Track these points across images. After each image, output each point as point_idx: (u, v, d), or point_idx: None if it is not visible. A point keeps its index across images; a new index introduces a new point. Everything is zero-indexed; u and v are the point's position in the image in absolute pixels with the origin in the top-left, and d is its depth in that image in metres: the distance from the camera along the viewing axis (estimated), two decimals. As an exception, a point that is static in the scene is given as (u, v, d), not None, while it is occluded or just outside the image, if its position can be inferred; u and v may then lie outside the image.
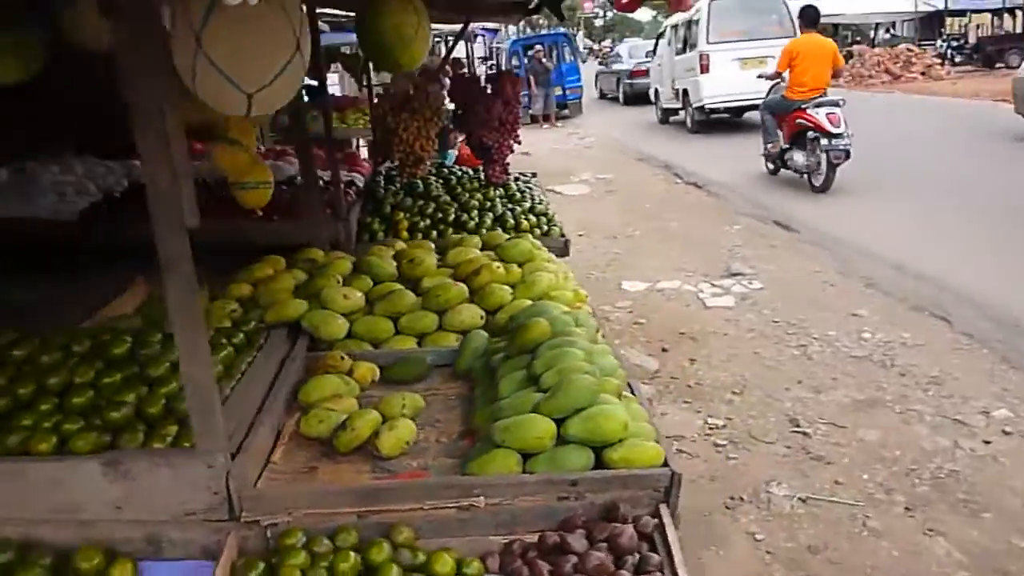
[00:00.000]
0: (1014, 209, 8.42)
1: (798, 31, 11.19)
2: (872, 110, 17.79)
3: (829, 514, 3.74)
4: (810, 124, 9.65)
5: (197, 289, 1.91)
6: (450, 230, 4.54)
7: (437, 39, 12.92)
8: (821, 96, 9.81)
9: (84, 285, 3.69)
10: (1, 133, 5.93)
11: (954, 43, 30.25)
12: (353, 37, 11.33)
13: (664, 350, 5.70)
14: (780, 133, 10.50)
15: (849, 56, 31.57)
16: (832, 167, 9.64)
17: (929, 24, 37.64)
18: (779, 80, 10.45)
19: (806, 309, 6.28)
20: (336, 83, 14.14)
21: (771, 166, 11.06)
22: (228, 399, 2.33)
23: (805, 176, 10.18)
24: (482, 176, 5.44)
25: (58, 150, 6.02)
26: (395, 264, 3.17)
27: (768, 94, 10.94)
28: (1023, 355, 5.16)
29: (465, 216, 4.64)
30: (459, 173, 5.54)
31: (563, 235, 4.62)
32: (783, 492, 3.92)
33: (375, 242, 4.47)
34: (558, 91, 21.72)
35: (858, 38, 40.93)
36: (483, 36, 17.76)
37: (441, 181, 5.26)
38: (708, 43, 15.28)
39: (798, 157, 10.13)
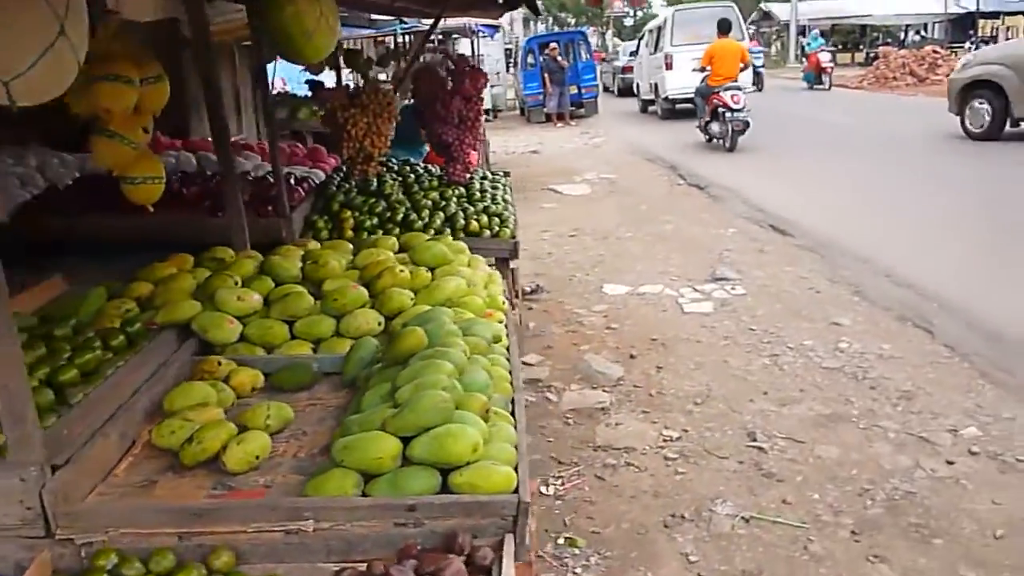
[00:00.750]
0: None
1: (716, 37, 14.47)
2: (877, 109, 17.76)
3: (770, 536, 3.54)
4: (720, 103, 13.57)
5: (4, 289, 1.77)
6: (397, 230, 4.39)
7: (441, 36, 12.78)
8: (731, 83, 13.47)
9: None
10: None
11: (983, 45, 29.61)
12: (358, 31, 11.25)
13: (632, 357, 5.51)
14: (707, 109, 14.24)
15: (874, 58, 31.09)
16: (735, 134, 13.56)
17: (961, 26, 36.98)
18: (706, 72, 14.05)
19: (785, 317, 6.06)
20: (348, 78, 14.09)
21: (704, 137, 14.74)
22: (78, 404, 2.20)
23: (719, 140, 14.12)
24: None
25: (21, 138, 5.94)
26: (300, 265, 3.02)
27: (700, 83, 14.32)
28: (1003, 369, 4.92)
29: (414, 216, 4.49)
30: (420, 171, 5.38)
31: (514, 237, 4.45)
32: (727, 511, 3.73)
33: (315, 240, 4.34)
34: (573, 90, 21.50)
35: (888, 40, 40.32)
36: (486, 33, 17.57)
37: (400, 179, 5.10)
38: (672, 46, 19.14)
39: (714, 127, 14.17)
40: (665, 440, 4.39)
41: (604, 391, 5.01)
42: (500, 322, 2.90)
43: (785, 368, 5.17)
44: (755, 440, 4.30)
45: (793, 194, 10.27)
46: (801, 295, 6.55)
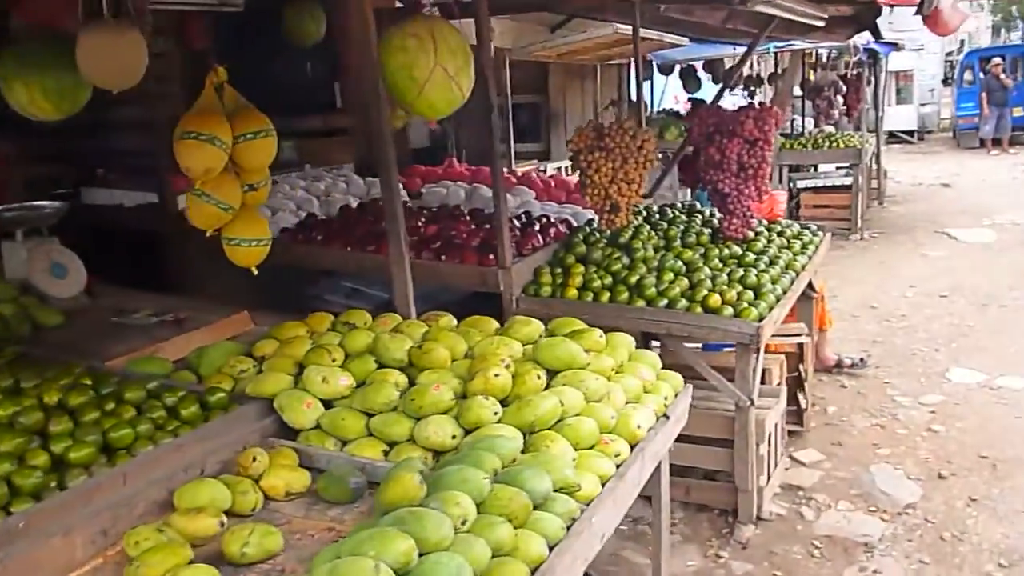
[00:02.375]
0: None
1: None
2: None
3: None
4: None
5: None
6: (625, 294, 3.83)
7: (835, 51, 11.53)
8: None
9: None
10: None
11: None
12: (725, 48, 10.57)
13: (941, 476, 4.31)
14: None
15: None
16: None
17: None
18: None
19: None
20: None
21: None
22: (71, 489, 2.07)
23: None
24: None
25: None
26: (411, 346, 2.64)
27: None
28: None
29: (651, 279, 3.87)
30: (694, 222, 4.69)
31: (761, 319, 3.63)
32: None
33: (534, 298, 3.94)
34: (1018, 112, 18.34)
35: None
36: (919, 45, 15.51)
37: (664, 229, 4.48)
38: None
39: None
40: (934, 612, 3.31)
41: (881, 519, 3.96)
42: (616, 456, 2.26)
43: None
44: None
45: None
46: None
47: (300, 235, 4.49)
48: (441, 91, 2.38)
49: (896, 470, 4.40)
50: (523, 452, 2.20)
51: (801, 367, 4.82)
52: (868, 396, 5.41)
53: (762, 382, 4.25)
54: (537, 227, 4.37)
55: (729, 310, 3.66)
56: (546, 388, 2.44)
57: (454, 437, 2.29)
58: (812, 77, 11.98)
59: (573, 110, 11.01)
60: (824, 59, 12.03)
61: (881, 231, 10.67)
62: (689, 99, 13.32)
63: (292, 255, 4.47)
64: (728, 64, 12.45)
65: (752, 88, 12.90)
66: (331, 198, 5.07)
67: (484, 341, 2.65)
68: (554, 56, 8.67)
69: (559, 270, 4.06)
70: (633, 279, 3.89)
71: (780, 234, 4.80)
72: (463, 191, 5.06)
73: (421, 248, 4.16)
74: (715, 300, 3.70)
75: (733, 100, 13.74)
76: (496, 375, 2.37)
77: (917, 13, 3.69)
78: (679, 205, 5.13)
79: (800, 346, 4.81)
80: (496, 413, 2.29)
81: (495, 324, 2.91)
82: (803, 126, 12.66)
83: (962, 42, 27.89)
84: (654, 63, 11.09)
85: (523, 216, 4.55)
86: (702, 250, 4.27)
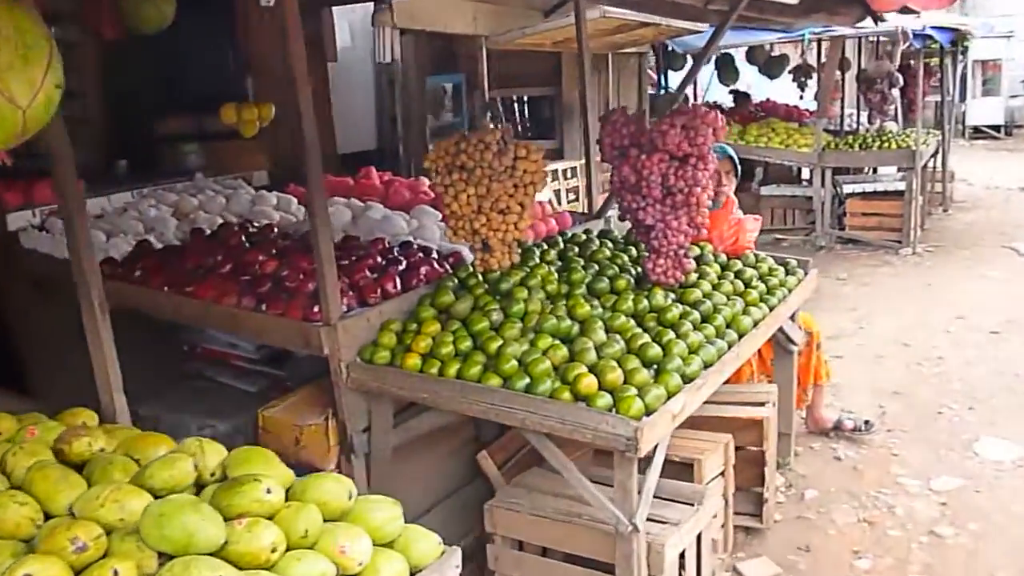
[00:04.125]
0: None
1: None
2: None
3: None
4: None
5: None
6: (478, 367, 2.84)
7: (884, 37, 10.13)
8: None
9: None
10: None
11: None
12: (761, 35, 9.34)
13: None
14: None
15: None
16: None
17: None
18: None
19: None
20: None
21: None
22: None
23: None
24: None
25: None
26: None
27: None
28: None
29: (518, 346, 2.87)
30: (622, 261, 3.66)
31: (648, 412, 2.59)
32: None
33: (369, 365, 2.98)
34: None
35: None
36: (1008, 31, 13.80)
37: (574, 271, 3.46)
38: None
39: None
40: None
41: None
42: None
43: None
44: None
45: None
46: None
47: (120, 268, 3.62)
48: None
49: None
50: None
51: (765, 443, 3.73)
52: (865, 474, 4.27)
53: (686, 479, 3.23)
54: (403, 264, 3.40)
55: (606, 398, 2.63)
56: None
57: None
58: (864, 66, 10.63)
59: (591, 104, 9.94)
60: (883, 47, 10.65)
61: (938, 244, 9.30)
62: (731, 92, 12.12)
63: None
64: (775, 51, 11.20)
65: (803, 79, 11.59)
66: (195, 217, 4.19)
67: (85, 498, 1.71)
68: (548, 44, 7.64)
69: (415, 325, 3.09)
70: (494, 345, 2.90)
71: (739, 275, 3.72)
72: (349, 214, 4.11)
73: (246, 292, 3.25)
74: (588, 384, 2.67)
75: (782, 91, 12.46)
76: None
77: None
78: (616, 233, 4.09)
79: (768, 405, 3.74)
80: None
81: (166, 445, 1.98)
82: (857, 122, 11.28)
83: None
84: (679, 52, 9.94)
85: (395, 249, 3.59)
86: (611, 301, 3.23)
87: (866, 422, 4.68)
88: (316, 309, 3.01)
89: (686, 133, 3.16)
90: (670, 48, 10.01)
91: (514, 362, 2.80)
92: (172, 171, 5.27)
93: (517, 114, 11.28)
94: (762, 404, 3.81)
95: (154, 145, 5.65)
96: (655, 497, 2.94)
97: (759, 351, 4.20)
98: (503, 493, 3.21)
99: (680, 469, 3.33)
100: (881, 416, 4.90)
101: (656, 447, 2.73)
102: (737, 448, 3.68)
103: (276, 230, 3.92)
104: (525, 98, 10.68)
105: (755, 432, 3.74)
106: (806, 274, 4.06)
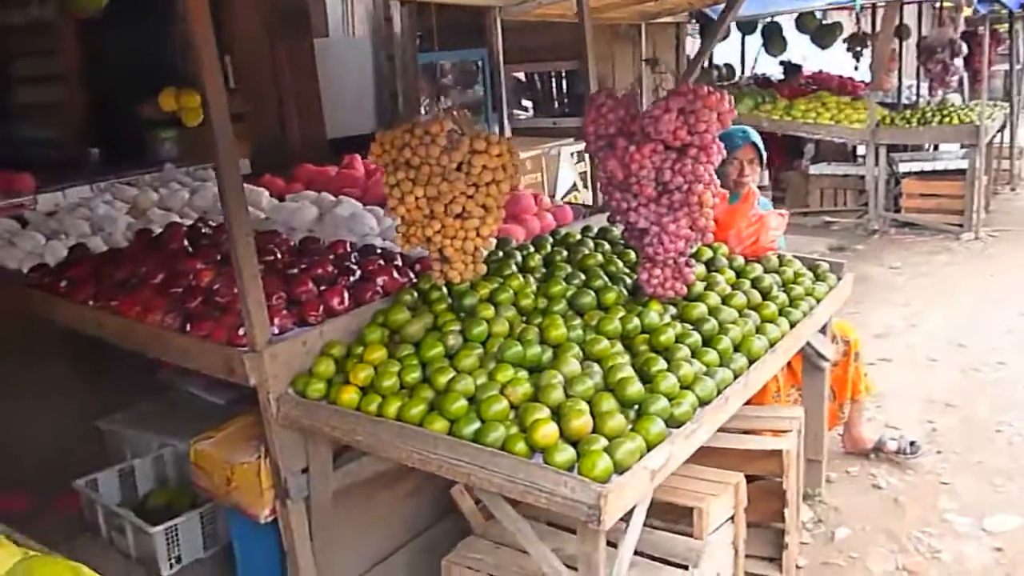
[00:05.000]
0: None
1: None
2: None
3: None
4: None
5: None
6: (422, 405, 2.37)
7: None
8: None
9: None
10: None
11: None
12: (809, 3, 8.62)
13: None
14: None
15: None
16: None
17: None
18: None
19: None
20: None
21: None
22: None
23: None
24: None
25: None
26: None
27: None
28: None
29: (469, 380, 2.40)
30: (616, 263, 3.14)
31: (620, 470, 2.09)
32: None
33: (302, 398, 2.53)
34: None
35: None
36: None
37: (556, 280, 2.95)
38: None
39: None
40: None
41: None
42: None
43: None
44: None
45: None
46: None
47: (47, 277, 3.22)
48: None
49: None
50: None
51: (785, 479, 3.19)
52: (908, 509, 3.71)
53: (681, 529, 2.74)
54: (357, 274, 2.93)
55: (568, 452, 2.13)
56: None
57: None
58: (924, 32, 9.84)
59: (623, 79, 9.35)
60: (946, 13, 9.82)
61: (1005, 229, 8.54)
62: (780, 63, 11.38)
63: (27, 306, 3.24)
64: (826, 18, 10.46)
65: (857, 49, 10.83)
66: (151, 215, 3.78)
67: None
68: (571, 14, 7.07)
69: (360, 350, 2.63)
70: (443, 379, 2.42)
71: (756, 283, 3.17)
72: (314, 211, 3.65)
73: (173, 308, 2.82)
74: (546, 434, 2.17)
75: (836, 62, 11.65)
76: None
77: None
78: (617, 232, 3.56)
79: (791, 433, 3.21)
80: None
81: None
82: (916, 95, 10.47)
83: None
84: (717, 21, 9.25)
85: (354, 255, 3.12)
86: (595, 320, 2.73)
87: (912, 443, 4.10)
88: (243, 331, 2.57)
89: (684, 119, 2.62)
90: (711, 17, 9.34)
91: (462, 401, 2.32)
92: (151, 159, 4.88)
93: (553, 90, 10.75)
94: (783, 432, 3.27)
95: (138, 131, 5.27)
96: (639, 555, 2.47)
97: (788, 362, 3.67)
98: (467, 544, 2.75)
99: (680, 512, 2.83)
100: (930, 434, 4.32)
101: (634, 508, 2.24)
102: (754, 478, 3.18)
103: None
104: (563, 72, 10.16)
105: (775, 461, 3.21)
106: (839, 279, 3.49)
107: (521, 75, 10.47)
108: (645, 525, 2.73)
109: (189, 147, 4.92)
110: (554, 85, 10.45)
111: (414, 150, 2.44)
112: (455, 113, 2.52)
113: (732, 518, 2.96)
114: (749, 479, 3.22)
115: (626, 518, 2.22)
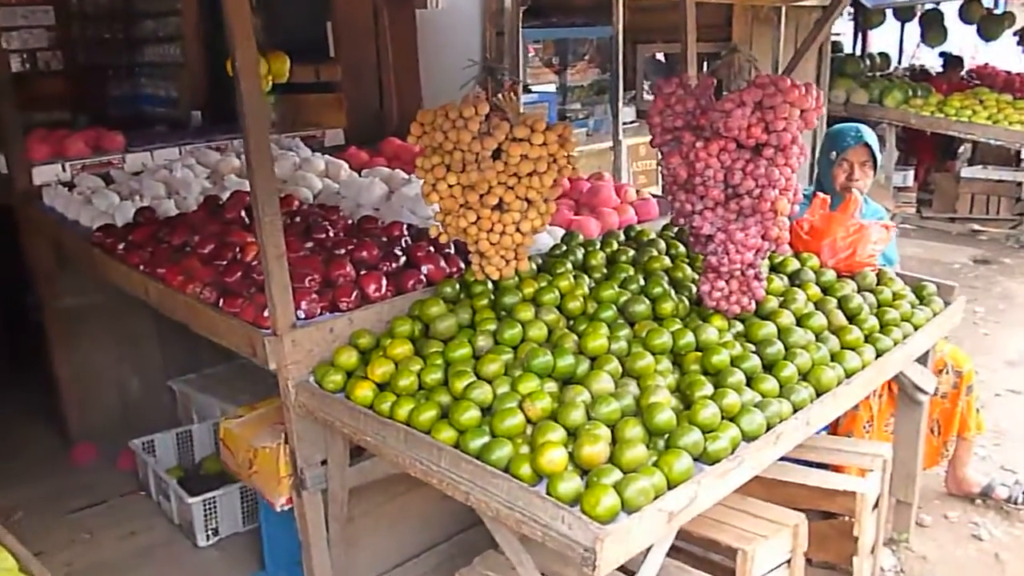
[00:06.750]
0: None
1: None
2: None
3: None
4: None
5: None
6: (433, 410, 2.19)
7: None
8: None
9: None
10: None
11: None
12: None
13: None
14: None
15: None
16: None
17: None
18: None
19: None
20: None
21: None
22: None
23: None
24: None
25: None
26: None
27: None
28: None
29: (486, 388, 2.21)
30: (683, 267, 2.86)
31: (630, 510, 1.85)
32: None
33: (318, 389, 2.40)
34: None
35: None
36: None
37: (615, 281, 2.71)
38: None
39: None
40: None
41: None
42: None
43: None
44: None
45: None
46: None
47: (110, 238, 3.22)
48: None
49: None
50: None
51: (857, 525, 2.85)
52: (1008, 567, 3.28)
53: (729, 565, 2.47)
54: (401, 260, 2.78)
55: (575, 482, 1.91)
56: None
57: None
58: None
59: (764, 64, 8.82)
60: None
61: None
62: (941, 54, 10.47)
63: (93, 267, 3.26)
64: (996, 8, 9.55)
65: (1033, 37, 9.84)
66: (227, 182, 3.75)
67: None
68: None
69: (389, 341, 2.48)
70: (460, 384, 2.23)
71: (843, 303, 2.82)
72: (384, 189, 3.51)
73: (212, 280, 2.75)
74: (552, 459, 1.95)
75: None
76: None
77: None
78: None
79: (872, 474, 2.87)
80: None
81: None
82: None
83: None
84: (867, 6, 8.59)
85: (405, 239, 2.97)
86: (645, 331, 2.47)
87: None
88: (267, 313, 2.46)
89: (760, 115, 2.32)
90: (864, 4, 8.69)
91: (474, 411, 2.13)
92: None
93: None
94: (865, 471, 2.93)
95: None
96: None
97: (888, 385, 3.31)
98: (484, 559, 2.57)
99: (725, 550, 2.56)
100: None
101: (650, 548, 2.00)
102: (828, 515, 2.87)
103: (297, 203, 3.39)
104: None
105: (849, 501, 2.87)
106: (948, 304, 3.08)
107: (661, 56, 10.06)
108: (680, 560, 2.49)
109: (288, 113, 4.91)
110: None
111: (446, 134, 2.25)
112: (502, 95, 2.30)
113: (788, 562, 2.66)
114: (825, 515, 2.92)
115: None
